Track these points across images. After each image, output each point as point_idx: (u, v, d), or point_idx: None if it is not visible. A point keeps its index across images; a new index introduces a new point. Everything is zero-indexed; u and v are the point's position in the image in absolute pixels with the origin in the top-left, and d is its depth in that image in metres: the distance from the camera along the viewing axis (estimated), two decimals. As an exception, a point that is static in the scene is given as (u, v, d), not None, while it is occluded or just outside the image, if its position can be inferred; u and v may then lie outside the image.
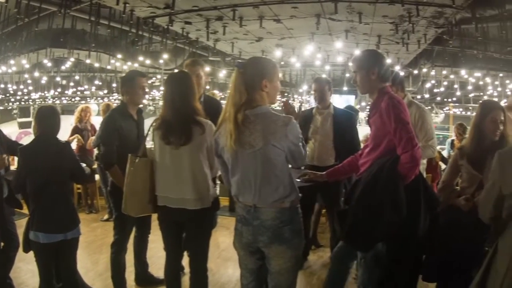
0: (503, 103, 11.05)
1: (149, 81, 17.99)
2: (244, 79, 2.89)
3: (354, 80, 3.50)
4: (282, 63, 12.56)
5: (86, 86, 19.35)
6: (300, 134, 2.93)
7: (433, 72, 14.16)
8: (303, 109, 5.83)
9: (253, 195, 2.91)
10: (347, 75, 13.31)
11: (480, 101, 4.20)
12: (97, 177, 7.64)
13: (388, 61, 10.52)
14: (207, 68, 13.96)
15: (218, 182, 4.12)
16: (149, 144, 3.86)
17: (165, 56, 11.40)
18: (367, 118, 3.66)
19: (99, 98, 23.52)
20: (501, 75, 13.85)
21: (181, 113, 3.50)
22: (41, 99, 23.29)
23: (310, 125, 5.38)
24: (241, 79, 2.89)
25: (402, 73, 13.23)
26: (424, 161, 4.98)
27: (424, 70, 13.11)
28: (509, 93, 15.23)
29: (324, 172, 3.85)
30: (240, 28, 8.77)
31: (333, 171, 3.85)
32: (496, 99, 17.89)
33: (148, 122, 4.06)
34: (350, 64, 3.65)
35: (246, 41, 10.46)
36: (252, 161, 2.85)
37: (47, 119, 3.94)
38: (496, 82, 14.98)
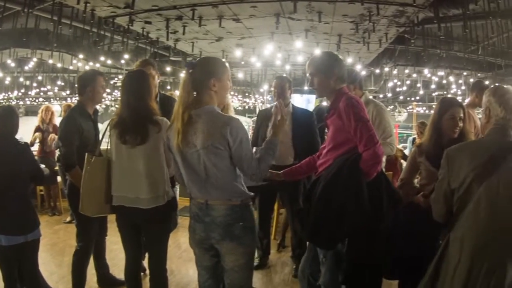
0: (466, 101, 11.45)
1: (111, 82, 17.99)
2: (192, 79, 2.98)
3: (312, 83, 3.57)
4: (243, 63, 12.75)
5: (49, 87, 19.33)
6: (247, 137, 2.99)
7: (395, 71, 14.46)
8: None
9: (201, 193, 3.01)
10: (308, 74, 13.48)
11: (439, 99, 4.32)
12: (59, 178, 7.60)
13: (349, 60, 10.81)
14: (168, 68, 14.01)
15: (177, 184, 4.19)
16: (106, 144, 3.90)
17: (126, 56, 11.44)
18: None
19: (62, 99, 23.30)
20: (465, 73, 14.26)
21: (136, 112, 3.56)
22: (4, 100, 23.03)
23: (268, 124, 5.45)
24: (190, 79, 2.99)
25: (363, 72, 13.60)
26: (384, 159, 5.11)
27: (386, 69, 13.38)
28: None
29: (281, 172, 3.91)
30: (200, 28, 8.88)
31: (290, 170, 3.93)
32: (460, 98, 18.47)
33: (109, 123, 4.15)
34: (307, 67, 3.68)
35: (206, 41, 10.59)
36: (195, 160, 2.94)
37: (4, 119, 3.93)
38: (460, 81, 15.40)
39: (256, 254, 5.37)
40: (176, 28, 9.19)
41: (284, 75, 7.86)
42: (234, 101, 25.31)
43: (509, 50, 11.01)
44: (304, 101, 11.34)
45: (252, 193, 3.17)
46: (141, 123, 3.54)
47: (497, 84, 3.06)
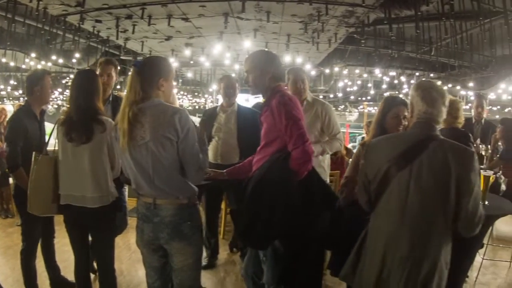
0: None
1: (63, 81, 17.95)
2: (140, 78, 3.08)
3: (247, 80, 3.71)
4: (192, 62, 12.93)
5: (2, 86, 19.21)
6: (194, 133, 3.13)
7: (345, 71, 14.85)
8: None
9: (150, 190, 3.12)
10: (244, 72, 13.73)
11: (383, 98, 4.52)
12: (11, 180, 7.52)
13: (299, 60, 11.07)
14: (118, 67, 14.01)
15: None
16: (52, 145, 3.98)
17: (77, 55, 11.49)
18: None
19: (15, 99, 22.91)
20: (417, 74, 14.74)
21: (83, 111, 3.68)
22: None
23: (214, 123, 5.65)
24: (137, 78, 3.08)
25: (313, 72, 13.92)
26: (328, 157, 5.40)
27: (336, 69, 13.73)
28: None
29: (224, 170, 4.05)
30: (149, 27, 9.04)
31: (233, 169, 4.05)
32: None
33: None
34: (244, 64, 3.85)
35: (156, 40, 10.75)
36: (144, 153, 3.04)
37: None
38: (412, 81, 15.92)
39: (204, 254, 5.59)
40: (126, 27, 9.31)
41: (233, 74, 8.00)
42: (184, 101, 25.35)
43: (462, 51, 11.47)
44: (255, 100, 11.48)
45: (197, 189, 3.28)
46: (87, 122, 3.65)
47: (423, 79, 3.28)
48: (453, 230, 2.82)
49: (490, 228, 6.24)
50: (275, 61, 3.67)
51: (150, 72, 3.12)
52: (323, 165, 5.31)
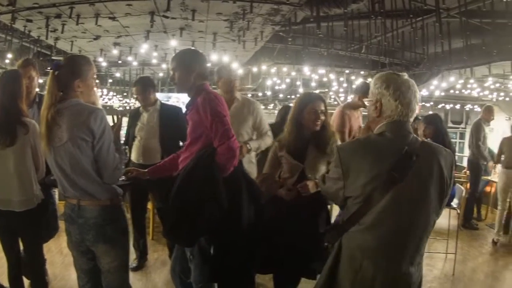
0: (349, 98, 12.55)
1: None
2: (57, 80, 3.24)
3: (172, 78, 3.93)
4: (120, 62, 13.12)
5: None
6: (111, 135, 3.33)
7: (273, 70, 15.32)
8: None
9: (73, 191, 3.29)
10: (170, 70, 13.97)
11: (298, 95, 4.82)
12: None
13: (225, 59, 11.49)
14: (50, 67, 13.92)
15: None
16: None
17: (10, 55, 11.40)
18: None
19: None
20: (347, 71, 15.37)
21: (7, 113, 3.89)
22: None
23: (137, 122, 5.99)
24: (54, 81, 3.24)
25: (240, 71, 14.36)
26: (253, 154, 5.74)
27: (264, 67, 14.18)
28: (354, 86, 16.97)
29: (146, 170, 4.27)
30: (78, 26, 9.23)
31: (155, 168, 4.28)
32: (342, 96, 19.90)
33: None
34: (170, 62, 4.05)
35: (85, 40, 10.93)
36: (63, 155, 3.20)
37: None
38: (342, 79, 16.60)
39: (134, 256, 5.91)
40: (56, 27, 9.44)
41: (161, 74, 8.23)
42: (114, 101, 25.21)
43: (393, 49, 12.16)
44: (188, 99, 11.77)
45: (120, 190, 3.50)
46: (10, 124, 3.86)
47: (389, 71, 3.03)
48: None
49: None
50: (200, 59, 3.91)
51: (66, 73, 3.25)
52: (253, 161, 5.71)
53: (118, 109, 25.20)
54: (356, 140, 3.01)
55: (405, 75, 2.83)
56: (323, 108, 4.19)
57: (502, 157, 9.03)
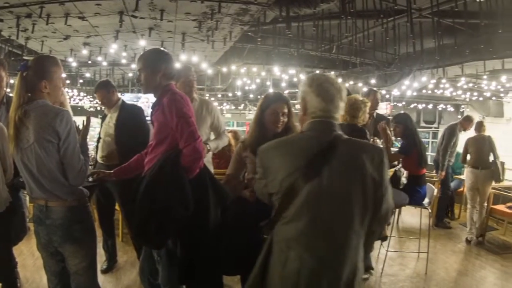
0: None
1: None
2: (24, 81, 3.33)
3: (138, 79, 3.98)
4: (90, 62, 13.13)
5: None
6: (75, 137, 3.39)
7: (243, 70, 15.42)
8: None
9: (39, 191, 3.36)
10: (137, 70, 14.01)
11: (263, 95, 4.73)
12: None
13: (194, 59, 11.58)
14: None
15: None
16: None
17: None
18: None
19: None
20: (317, 71, 15.54)
21: None
22: None
23: (103, 124, 6.12)
24: (22, 82, 3.32)
25: (210, 71, 14.47)
26: (210, 154, 5.84)
27: (233, 67, 14.28)
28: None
29: (111, 171, 4.30)
30: (48, 26, 9.23)
31: (120, 169, 4.30)
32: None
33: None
34: (136, 63, 4.10)
35: (55, 39, 10.91)
36: (30, 156, 3.28)
37: None
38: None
39: (104, 258, 6.03)
40: (27, 26, 9.44)
41: (130, 74, 8.25)
42: (85, 102, 25.06)
43: (363, 49, 12.32)
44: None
45: (87, 191, 3.58)
46: None
47: (315, 73, 3.22)
48: (366, 227, 2.88)
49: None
50: (166, 59, 3.97)
51: (33, 75, 3.33)
52: (210, 160, 5.84)
53: (88, 109, 25.10)
54: (277, 140, 3.08)
55: (332, 74, 2.99)
56: (285, 109, 4.22)
57: (468, 157, 9.33)
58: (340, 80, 14.75)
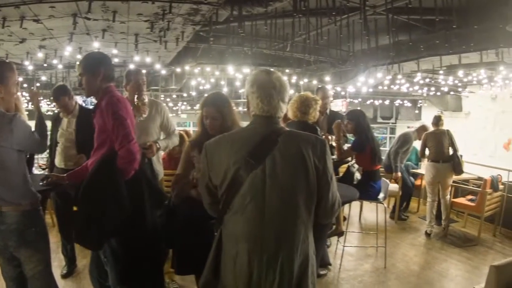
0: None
1: None
2: None
3: (80, 84, 4.07)
4: (45, 65, 13.22)
5: None
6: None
7: (197, 70, 15.59)
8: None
9: None
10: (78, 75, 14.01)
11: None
12: None
13: (148, 60, 11.71)
14: None
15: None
16: None
17: None
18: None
19: None
20: (271, 70, 15.73)
21: None
22: None
23: (58, 128, 6.25)
24: None
25: (163, 72, 14.58)
26: (160, 153, 6.13)
27: (187, 67, 14.49)
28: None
29: (65, 174, 4.41)
30: (4, 29, 9.32)
31: (73, 173, 4.40)
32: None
33: None
34: (76, 68, 4.16)
35: (11, 43, 10.96)
36: None
37: None
38: (266, 78, 16.94)
39: (63, 262, 6.21)
40: None
41: (62, 83, 8.35)
42: (42, 105, 24.73)
43: (317, 46, 12.48)
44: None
45: (39, 195, 3.72)
46: None
47: (259, 70, 3.30)
48: (314, 218, 3.02)
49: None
50: (105, 61, 4.09)
51: None
52: (160, 160, 6.11)
53: (46, 113, 24.69)
54: (221, 135, 3.17)
55: (275, 72, 3.17)
56: (213, 113, 4.26)
57: (427, 151, 9.74)
58: (294, 78, 15.03)
